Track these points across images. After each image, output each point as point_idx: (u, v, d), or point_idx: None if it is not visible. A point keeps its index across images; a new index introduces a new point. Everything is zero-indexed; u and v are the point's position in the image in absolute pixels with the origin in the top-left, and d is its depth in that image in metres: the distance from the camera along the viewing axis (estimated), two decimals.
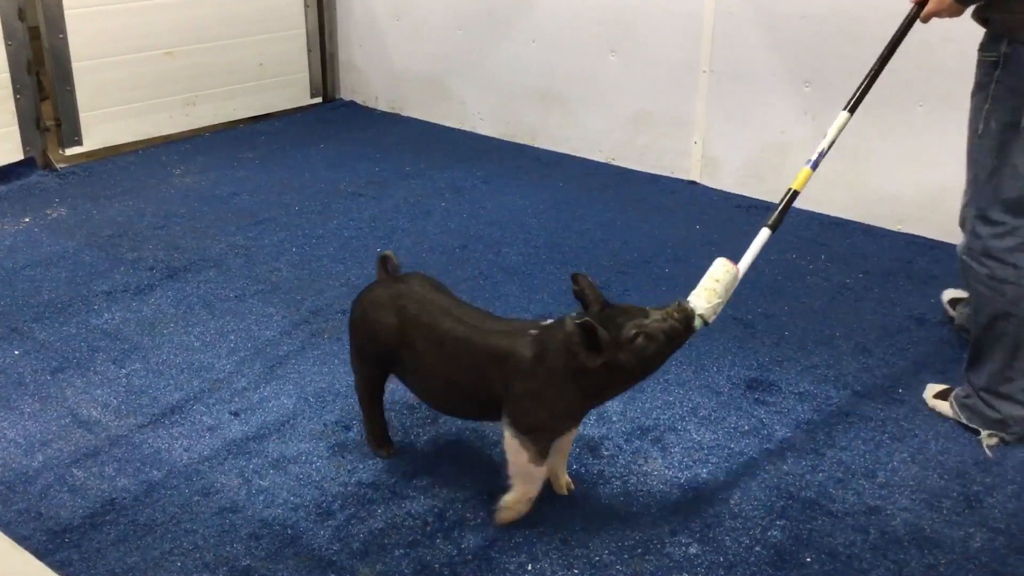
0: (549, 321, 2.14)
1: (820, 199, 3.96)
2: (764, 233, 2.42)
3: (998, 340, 2.46)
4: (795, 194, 2.46)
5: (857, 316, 3.16)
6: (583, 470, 2.40)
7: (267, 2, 5.05)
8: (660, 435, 2.54)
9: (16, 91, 4.16)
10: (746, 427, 2.58)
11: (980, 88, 2.51)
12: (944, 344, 2.99)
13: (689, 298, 2.25)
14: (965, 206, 2.58)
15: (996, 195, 2.42)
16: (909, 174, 3.72)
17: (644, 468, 2.42)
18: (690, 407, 2.67)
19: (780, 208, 2.42)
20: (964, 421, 2.56)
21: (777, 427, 2.58)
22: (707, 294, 2.27)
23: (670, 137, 4.33)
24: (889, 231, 3.79)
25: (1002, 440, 2.50)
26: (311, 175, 4.37)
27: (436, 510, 2.26)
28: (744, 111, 4.08)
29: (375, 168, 4.49)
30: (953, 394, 2.62)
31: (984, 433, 2.51)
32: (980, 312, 2.50)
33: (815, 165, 2.52)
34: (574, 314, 2.08)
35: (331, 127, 5.12)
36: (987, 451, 2.47)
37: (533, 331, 2.11)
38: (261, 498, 2.29)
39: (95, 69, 4.43)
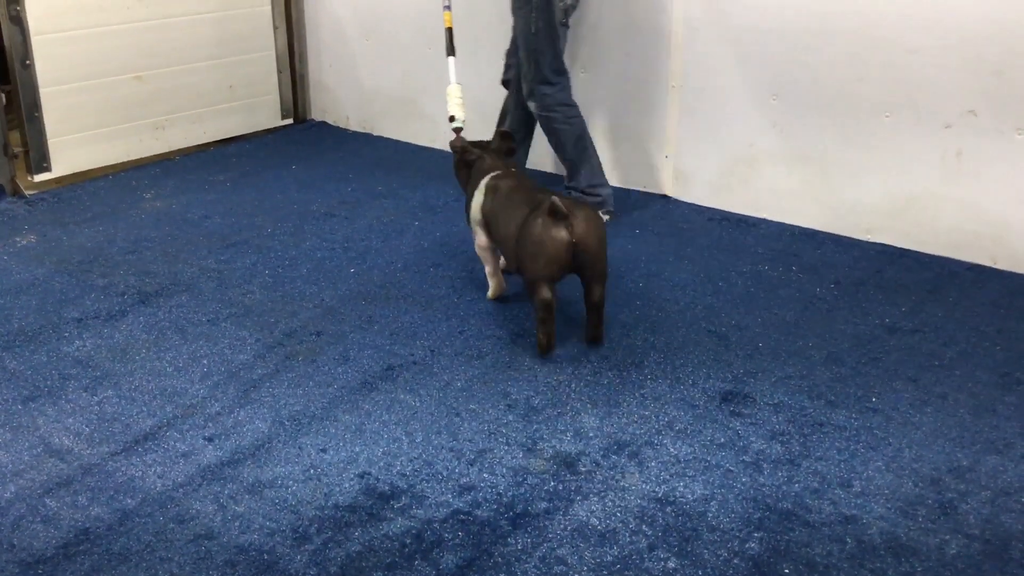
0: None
1: (789, 210, 4.00)
2: (450, 60, 3.81)
3: (583, 152, 3.94)
4: (449, 31, 3.84)
5: (829, 326, 3.18)
6: (560, 487, 2.40)
7: (236, 24, 5.05)
8: (637, 450, 2.55)
9: None
10: (722, 439, 2.59)
11: (526, 3, 3.77)
12: (916, 352, 3.02)
13: (453, 114, 3.66)
14: (527, 81, 3.88)
15: (551, 67, 3.83)
16: (877, 184, 3.76)
17: (622, 483, 2.42)
18: (666, 421, 2.67)
19: (448, 40, 3.82)
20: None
21: (753, 439, 2.59)
22: (460, 108, 3.68)
23: (641, 152, 4.36)
24: (858, 241, 3.82)
25: (610, 213, 3.99)
26: (283, 196, 4.36)
27: (413, 531, 2.25)
28: (713, 125, 4.11)
29: (347, 188, 4.49)
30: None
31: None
32: (567, 142, 3.92)
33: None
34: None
35: (302, 148, 5.12)
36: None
37: None
38: (237, 524, 2.27)
39: (63, 95, 4.40)
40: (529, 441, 2.58)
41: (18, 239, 3.88)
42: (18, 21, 4.19)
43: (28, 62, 4.26)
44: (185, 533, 2.24)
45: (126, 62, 4.63)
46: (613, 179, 4.45)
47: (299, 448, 2.56)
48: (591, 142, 3.98)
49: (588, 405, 2.75)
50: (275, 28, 5.24)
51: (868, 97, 3.69)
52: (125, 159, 4.74)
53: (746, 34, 3.91)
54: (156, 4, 4.68)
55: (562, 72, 3.88)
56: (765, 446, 2.56)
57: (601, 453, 2.54)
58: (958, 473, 2.45)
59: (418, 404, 2.75)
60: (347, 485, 2.41)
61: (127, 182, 4.55)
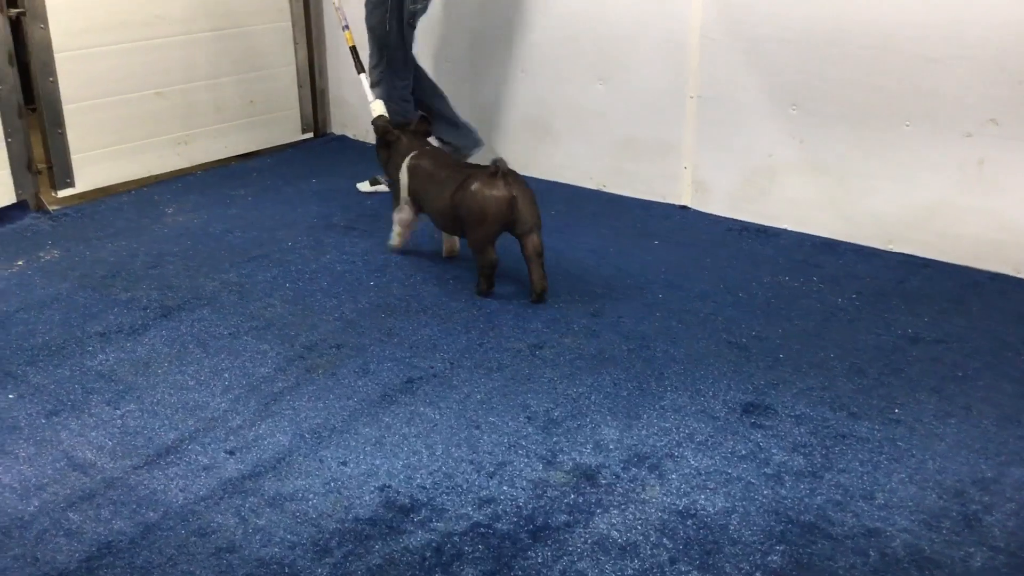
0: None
1: (809, 220, 3.99)
2: (362, 78, 4.21)
3: None
4: (353, 49, 4.22)
5: (851, 337, 3.16)
6: (580, 499, 2.40)
7: (256, 40, 5.09)
8: (658, 462, 2.54)
9: (7, 135, 4.18)
10: (743, 451, 2.58)
11: (381, 3, 4.08)
12: (939, 363, 2.99)
13: (374, 107, 4.07)
14: (375, 72, 4.20)
15: (401, 62, 4.19)
16: (897, 193, 3.74)
17: (642, 496, 2.41)
18: (687, 433, 2.66)
19: (354, 58, 4.22)
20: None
21: (774, 451, 2.58)
22: (379, 105, 4.07)
23: (659, 163, 4.35)
24: (880, 251, 3.80)
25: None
26: (303, 210, 4.39)
27: (434, 545, 2.25)
28: (732, 135, 4.11)
29: (367, 202, 4.50)
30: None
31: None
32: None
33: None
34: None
35: (322, 162, 5.14)
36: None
37: None
38: (258, 537, 2.28)
39: (86, 111, 4.45)
40: (549, 454, 2.58)
41: (42, 254, 3.92)
42: (43, 38, 4.24)
43: (52, 79, 4.31)
44: (207, 546, 2.25)
45: (148, 78, 4.67)
46: (631, 190, 4.46)
47: (320, 461, 2.56)
48: None
49: (608, 417, 2.74)
50: (295, 44, 5.28)
51: (888, 106, 3.68)
52: (147, 174, 4.78)
53: (765, 44, 3.90)
54: (178, 21, 4.72)
55: (409, 69, 4.27)
56: (787, 458, 2.55)
57: (621, 465, 2.53)
58: (983, 485, 2.43)
59: (438, 417, 2.76)
60: (367, 498, 2.41)
61: (149, 197, 4.59)
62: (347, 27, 4.22)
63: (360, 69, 4.19)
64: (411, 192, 3.64)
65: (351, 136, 5.52)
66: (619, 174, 4.49)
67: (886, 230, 3.80)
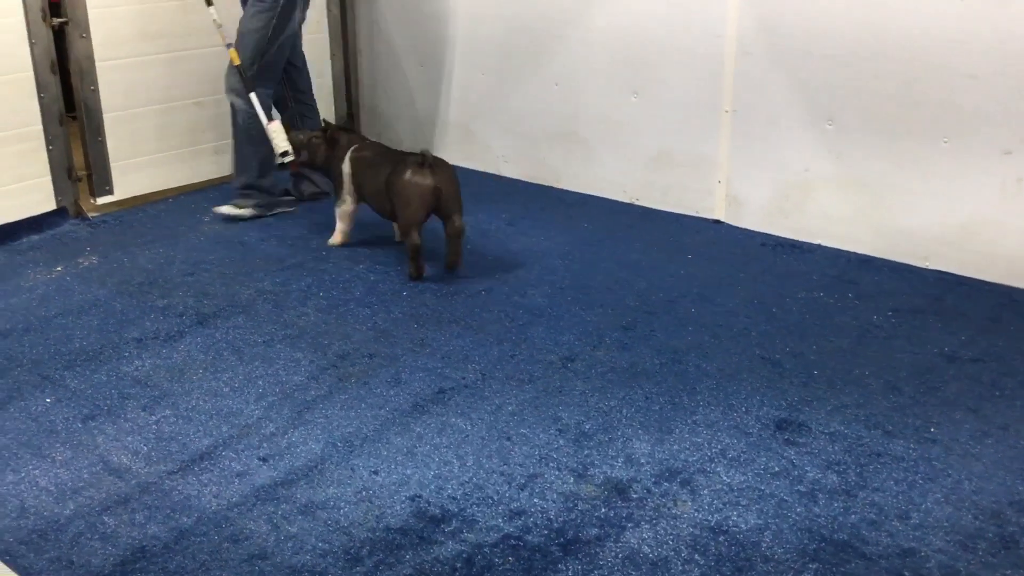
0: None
1: (845, 236, 3.96)
2: (252, 97, 4.15)
3: (253, 153, 4.28)
4: (239, 68, 4.14)
5: (887, 354, 3.13)
6: (611, 513, 2.39)
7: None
8: (689, 477, 2.53)
9: (48, 142, 4.24)
10: (776, 468, 2.56)
11: (266, 9, 4.11)
12: (976, 382, 2.95)
13: (283, 149, 4.07)
14: (242, 76, 4.13)
15: (271, 73, 4.24)
16: (935, 210, 3.71)
17: (674, 511, 2.40)
18: (719, 448, 2.65)
19: (241, 77, 4.16)
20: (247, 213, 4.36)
21: (808, 468, 2.56)
22: (286, 142, 4.09)
23: (693, 177, 4.34)
24: (916, 268, 3.77)
25: (258, 208, 4.42)
26: None
27: (464, 555, 2.25)
28: (767, 150, 4.09)
29: None
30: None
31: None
32: (245, 142, 4.27)
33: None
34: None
35: None
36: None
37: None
38: (290, 544, 2.29)
39: (126, 120, 4.51)
40: (580, 467, 2.58)
41: (81, 260, 3.97)
42: (84, 47, 4.31)
43: (93, 87, 4.37)
44: (239, 553, 2.27)
45: (187, 88, 4.73)
46: (664, 204, 4.45)
47: (351, 470, 2.57)
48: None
49: (639, 431, 2.73)
50: (331, 55, 5.32)
51: (925, 122, 3.65)
52: (185, 183, 4.83)
53: (802, 59, 3.88)
54: (216, 32, 4.78)
55: (277, 79, 4.36)
56: (821, 476, 2.52)
57: (653, 480, 2.52)
58: (1020, 506, 2.39)
59: (469, 428, 2.76)
60: (399, 508, 2.42)
61: (186, 205, 4.64)
62: (231, 45, 4.12)
63: (251, 88, 4.13)
64: (354, 183, 3.92)
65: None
66: (652, 187, 4.49)
67: (923, 247, 3.77)
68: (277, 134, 4.10)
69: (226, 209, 4.38)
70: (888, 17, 3.64)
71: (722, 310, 3.46)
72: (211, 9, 4.10)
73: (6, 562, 2.24)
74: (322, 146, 4.05)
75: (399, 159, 3.77)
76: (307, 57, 4.98)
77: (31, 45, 4.11)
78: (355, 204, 3.99)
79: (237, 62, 4.11)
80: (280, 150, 4.09)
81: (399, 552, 2.26)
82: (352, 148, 3.96)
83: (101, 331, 3.35)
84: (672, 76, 4.27)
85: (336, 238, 4.08)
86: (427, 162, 3.63)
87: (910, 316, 3.39)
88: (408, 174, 3.64)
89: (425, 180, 3.63)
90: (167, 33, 4.60)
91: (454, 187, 3.70)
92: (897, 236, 3.82)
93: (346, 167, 3.93)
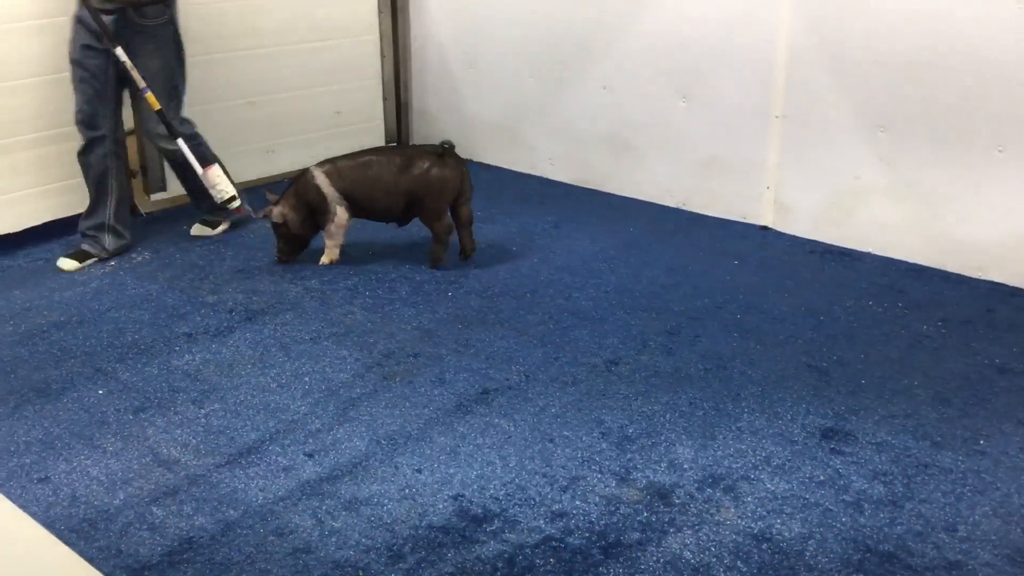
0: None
1: (896, 245, 3.91)
2: (180, 142, 3.93)
3: (197, 177, 4.06)
4: (160, 112, 3.86)
5: (936, 365, 3.09)
6: (653, 518, 2.38)
7: (345, 53, 5.19)
8: (733, 484, 2.51)
9: None
10: (822, 477, 2.54)
11: (161, 45, 3.83)
12: None
13: (231, 195, 4.02)
14: (168, 119, 3.87)
15: (181, 105, 4.01)
16: (989, 220, 3.64)
17: (716, 518, 2.39)
18: (763, 456, 2.63)
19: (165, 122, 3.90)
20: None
21: (854, 478, 2.53)
22: (230, 185, 4.04)
23: (741, 182, 4.31)
24: (969, 278, 3.71)
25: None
26: None
27: (506, 556, 2.26)
28: (818, 156, 4.05)
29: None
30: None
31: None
32: (192, 172, 4.00)
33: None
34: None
35: None
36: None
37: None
38: (334, 540, 2.32)
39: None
40: (622, 470, 2.57)
41: (134, 255, 4.05)
42: None
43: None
44: (284, 546, 2.30)
45: (240, 88, 4.80)
46: (712, 209, 4.42)
47: (395, 467, 2.60)
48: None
49: (683, 436, 2.72)
50: (382, 57, 5.37)
51: (981, 131, 3.59)
52: (236, 181, 4.88)
53: (855, 64, 3.84)
54: (269, 33, 4.85)
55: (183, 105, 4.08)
56: (867, 486, 2.50)
57: (696, 486, 2.51)
58: None
59: (512, 429, 2.77)
60: (441, 506, 2.44)
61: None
62: (147, 89, 3.77)
63: (176, 133, 3.90)
64: (343, 194, 3.81)
65: None
66: (700, 192, 4.46)
67: (975, 257, 3.71)
68: (220, 179, 3.97)
69: (196, 230, 4.27)
70: (944, 24, 3.59)
71: (768, 317, 3.44)
72: (118, 50, 3.69)
73: None
74: (295, 206, 3.82)
75: (402, 156, 3.82)
76: (360, 59, 5.02)
77: None
78: (349, 215, 3.85)
79: (157, 107, 3.82)
80: (226, 196, 3.97)
81: (441, 550, 2.28)
82: (314, 169, 3.81)
83: (153, 325, 3.41)
84: (722, 80, 4.25)
85: (326, 259, 3.92)
86: (447, 152, 3.75)
87: (961, 326, 3.34)
88: (429, 165, 3.74)
89: (452, 170, 3.76)
90: (221, 35, 4.67)
91: (468, 176, 3.86)
92: (949, 245, 3.77)
93: (325, 186, 3.78)
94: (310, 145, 5.16)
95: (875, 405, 2.87)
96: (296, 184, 3.84)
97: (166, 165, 4.60)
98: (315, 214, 3.83)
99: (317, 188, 3.79)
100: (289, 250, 3.91)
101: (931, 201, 3.78)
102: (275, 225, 3.86)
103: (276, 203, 3.83)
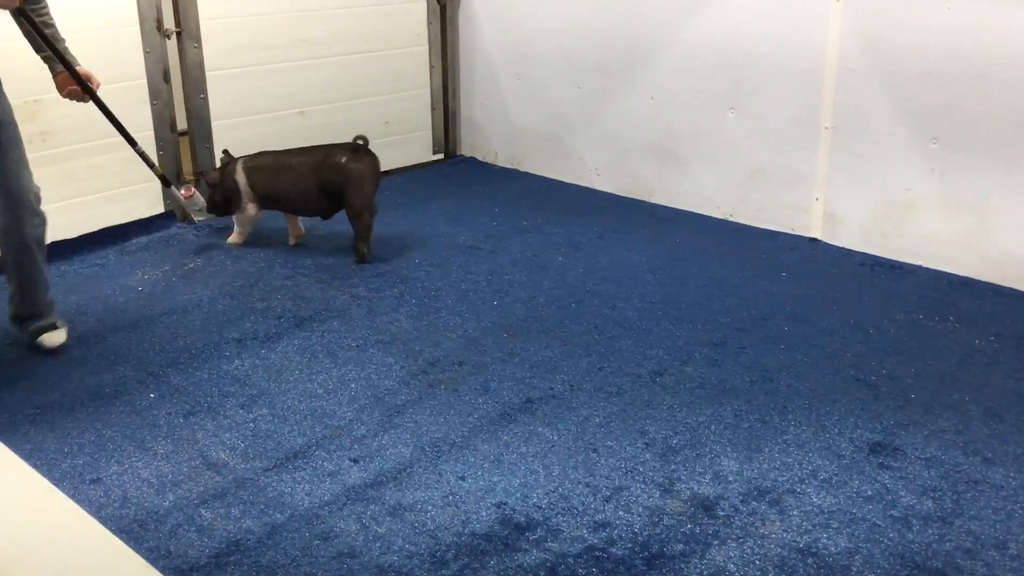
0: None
1: (947, 258, 3.85)
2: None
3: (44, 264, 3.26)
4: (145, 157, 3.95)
5: (988, 380, 3.04)
6: (697, 530, 2.37)
7: (395, 63, 5.25)
8: (778, 497, 2.49)
9: (159, 147, 4.42)
10: (869, 492, 2.51)
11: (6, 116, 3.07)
12: None
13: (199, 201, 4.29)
14: (29, 189, 3.11)
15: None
16: None
17: (761, 531, 2.37)
18: (810, 469, 2.60)
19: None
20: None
21: (902, 493, 2.50)
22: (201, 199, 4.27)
23: (789, 194, 4.28)
24: (1021, 292, 3.64)
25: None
26: (431, 229, 4.49)
27: (548, 564, 2.26)
28: (868, 168, 4.01)
29: (493, 223, 4.57)
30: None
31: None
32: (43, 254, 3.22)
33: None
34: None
35: (451, 182, 5.25)
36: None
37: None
38: (378, 545, 2.34)
39: (233, 127, 4.67)
40: (666, 481, 2.56)
41: (186, 262, 4.12)
42: (196, 57, 4.48)
43: (202, 96, 4.54)
44: (329, 550, 2.32)
45: (291, 98, 4.87)
46: (759, 220, 4.39)
47: (439, 474, 2.61)
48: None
49: (728, 448, 2.71)
50: (431, 67, 5.42)
51: None
52: None
53: (906, 76, 3.80)
54: (320, 44, 4.92)
55: None
56: (915, 501, 2.46)
57: (740, 498, 2.49)
58: None
59: (556, 438, 2.77)
60: (484, 514, 2.45)
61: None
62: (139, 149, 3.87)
63: (167, 183, 4.14)
64: (255, 190, 4.13)
65: (479, 158, 5.62)
66: (747, 203, 4.44)
67: None
68: (194, 202, 4.30)
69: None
70: (997, 35, 3.54)
71: (816, 329, 3.40)
72: None
73: None
74: (215, 191, 4.21)
75: (316, 153, 4.03)
76: (409, 69, 5.06)
77: (145, 54, 4.28)
78: (257, 210, 4.20)
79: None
80: (198, 207, 4.31)
81: (483, 558, 2.29)
82: (240, 162, 4.16)
83: (203, 331, 3.47)
84: (770, 91, 4.22)
85: (234, 238, 4.30)
86: (361, 147, 3.97)
87: (1013, 341, 3.28)
88: (346, 159, 3.95)
89: (367, 163, 4.00)
90: (274, 45, 4.75)
91: (379, 169, 4.10)
92: (1002, 259, 3.70)
93: (241, 177, 4.12)
94: None
95: (925, 420, 2.83)
96: (224, 169, 4.19)
97: None
98: (231, 200, 4.21)
99: (235, 183, 4.13)
100: (213, 207, 4.26)
101: (983, 214, 3.73)
102: (210, 185, 4.26)
103: (216, 172, 4.24)
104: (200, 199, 4.32)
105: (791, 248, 4.17)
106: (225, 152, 4.30)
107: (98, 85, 3.46)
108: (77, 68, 3.36)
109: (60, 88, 3.41)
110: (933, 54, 3.70)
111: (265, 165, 4.14)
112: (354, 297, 3.74)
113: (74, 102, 3.46)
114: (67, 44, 3.35)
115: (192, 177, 4.64)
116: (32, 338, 3.30)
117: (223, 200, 4.22)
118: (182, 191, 4.28)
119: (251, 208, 4.19)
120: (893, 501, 2.46)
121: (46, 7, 3.27)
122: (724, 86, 4.37)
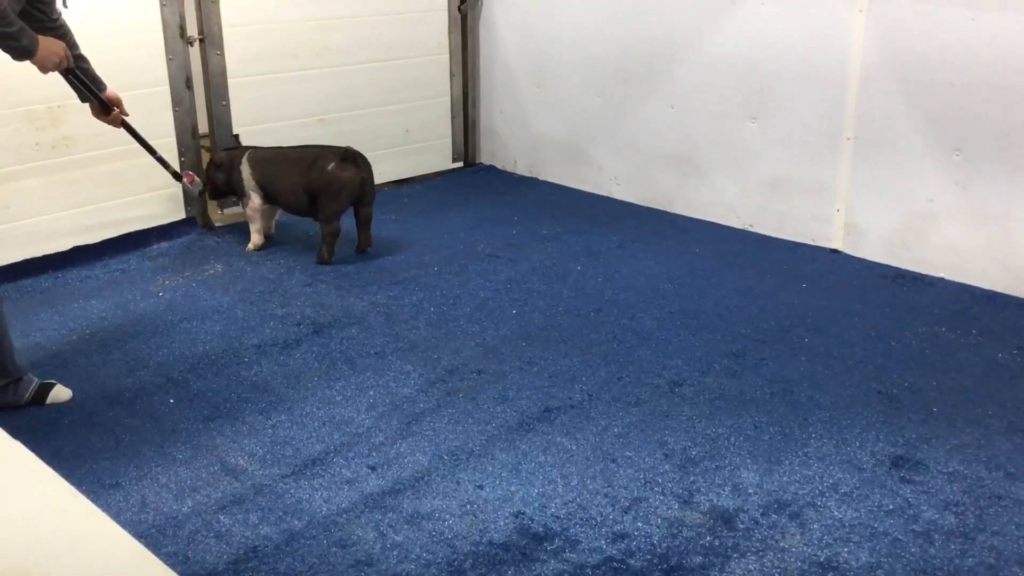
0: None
1: (970, 270, 3.82)
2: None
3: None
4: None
5: (1011, 394, 3.01)
6: (716, 542, 2.35)
7: (415, 72, 5.26)
8: (799, 510, 2.47)
9: (181, 154, 4.44)
10: (890, 506, 2.48)
11: None
12: None
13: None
14: None
15: None
16: None
17: (781, 544, 2.35)
18: (831, 482, 2.58)
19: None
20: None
21: (924, 507, 2.47)
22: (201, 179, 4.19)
23: (811, 204, 4.26)
24: None
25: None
26: (450, 237, 4.49)
27: (566, 575, 2.25)
28: (890, 179, 3.98)
29: (512, 231, 4.57)
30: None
31: None
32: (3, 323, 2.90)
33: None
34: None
35: (471, 191, 5.26)
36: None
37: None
38: (395, 553, 2.33)
39: (254, 134, 4.69)
40: (685, 493, 2.55)
41: (207, 268, 4.14)
42: (218, 64, 4.51)
43: (224, 103, 4.56)
44: (346, 558, 2.32)
45: (311, 105, 4.89)
46: (780, 231, 4.37)
47: (457, 483, 2.60)
48: None
49: (748, 460, 2.69)
50: (451, 76, 5.43)
51: None
52: None
53: (928, 86, 3.78)
54: (341, 52, 4.93)
55: None
56: (937, 516, 2.44)
57: (760, 511, 2.47)
58: None
59: (574, 448, 2.76)
60: (502, 523, 2.44)
61: (306, 219, 4.78)
62: (166, 168, 3.99)
63: (169, 170, 4.02)
64: (257, 181, 4.17)
65: (499, 167, 5.62)
66: (767, 214, 4.42)
67: None
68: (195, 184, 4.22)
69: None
70: (1020, 46, 3.51)
71: (837, 341, 3.38)
72: None
73: None
74: (218, 171, 4.27)
75: (310, 153, 4.08)
76: (429, 78, 5.04)
77: (168, 61, 4.31)
78: (261, 201, 4.23)
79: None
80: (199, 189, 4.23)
81: (501, 567, 2.28)
82: (245, 152, 4.23)
83: (223, 336, 3.48)
84: (792, 101, 4.21)
85: (252, 244, 4.32)
86: (351, 156, 4.00)
87: None
88: (332, 167, 4.00)
89: (352, 174, 4.01)
90: (295, 53, 4.77)
91: (372, 179, 4.12)
92: None
93: (245, 170, 4.18)
94: (379, 162, 5.20)
95: (947, 434, 2.80)
96: (232, 154, 4.25)
97: None
98: (233, 187, 4.26)
99: (240, 172, 4.20)
100: (213, 189, 4.32)
101: (1006, 226, 3.69)
102: (211, 163, 4.32)
103: (223, 153, 4.30)
104: (200, 184, 4.28)
105: (812, 259, 4.15)
106: (235, 138, 4.39)
107: (125, 114, 3.54)
108: (107, 95, 3.39)
109: (94, 113, 3.48)
110: (956, 65, 3.68)
111: (267, 157, 4.21)
112: (373, 304, 3.74)
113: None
114: (90, 60, 3.32)
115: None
116: (35, 401, 3.00)
117: (224, 183, 4.28)
118: (184, 177, 4.20)
119: (255, 199, 4.23)
120: (915, 516, 2.44)
121: (77, 47, 3.23)
122: (745, 96, 4.36)
